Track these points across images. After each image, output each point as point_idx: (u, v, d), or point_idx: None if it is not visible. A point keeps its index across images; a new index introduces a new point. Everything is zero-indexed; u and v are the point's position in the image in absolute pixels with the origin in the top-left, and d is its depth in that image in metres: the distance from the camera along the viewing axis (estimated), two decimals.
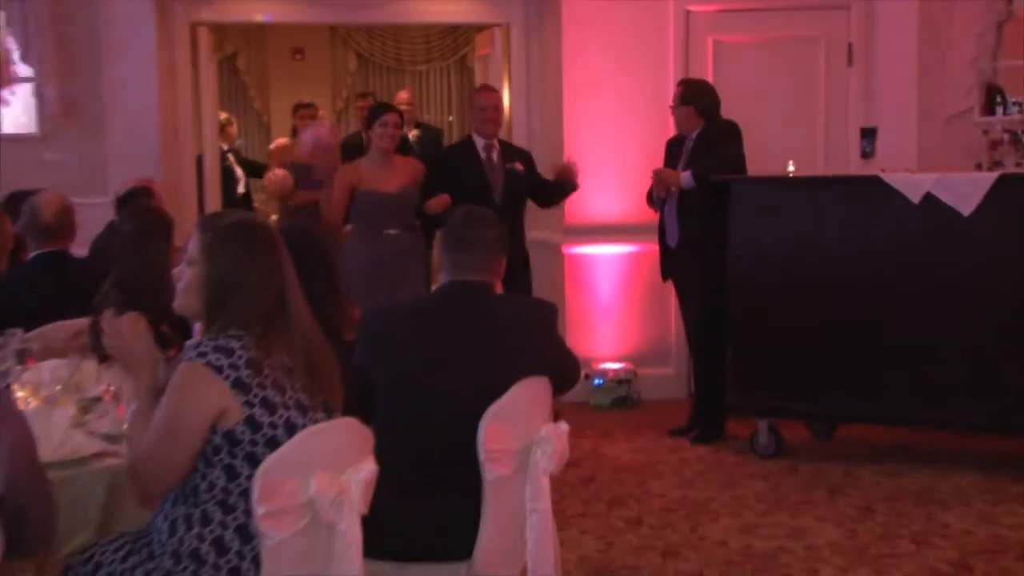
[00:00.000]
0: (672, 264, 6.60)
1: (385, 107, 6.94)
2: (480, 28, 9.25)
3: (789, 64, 7.54)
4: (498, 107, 6.89)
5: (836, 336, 5.90)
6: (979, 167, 6.51)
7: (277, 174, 7.73)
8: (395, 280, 6.44)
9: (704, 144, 6.33)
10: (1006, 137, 6.52)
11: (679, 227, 6.43)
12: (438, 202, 6.41)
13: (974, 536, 4.89)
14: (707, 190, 6.17)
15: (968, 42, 7.33)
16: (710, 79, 7.03)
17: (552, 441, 3.27)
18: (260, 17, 8.63)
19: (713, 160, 6.21)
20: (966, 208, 5.59)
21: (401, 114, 6.72)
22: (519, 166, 6.77)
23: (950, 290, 5.67)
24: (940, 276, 5.67)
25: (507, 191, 6.67)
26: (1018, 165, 6.25)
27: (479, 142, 6.78)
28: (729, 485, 5.65)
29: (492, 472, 3.16)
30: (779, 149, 6.76)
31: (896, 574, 4.54)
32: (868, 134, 6.37)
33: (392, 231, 6.59)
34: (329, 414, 2.89)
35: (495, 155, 6.76)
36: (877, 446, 6.22)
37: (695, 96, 6.46)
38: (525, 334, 3.42)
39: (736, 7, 7.52)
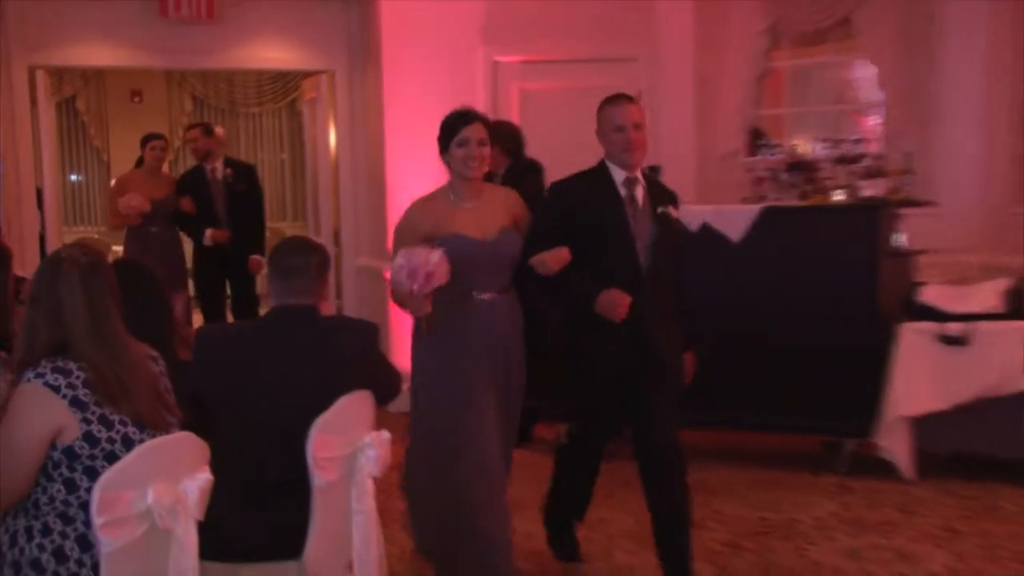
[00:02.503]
0: None
1: (463, 118, 4.13)
2: (307, 74, 9.20)
3: (586, 110, 7.60)
4: (640, 124, 4.16)
5: None
6: (746, 201, 6.78)
7: (134, 198, 7.49)
8: (493, 368, 4.14)
9: (509, 180, 6.39)
10: (767, 175, 6.81)
11: None
12: (554, 257, 3.98)
13: (745, 520, 5.07)
14: None
15: (735, 92, 7.66)
16: (517, 122, 7.13)
17: (375, 447, 3.27)
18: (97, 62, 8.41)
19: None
20: (735, 235, 5.83)
21: (488, 123, 4.20)
22: (673, 210, 4.27)
23: (724, 309, 5.87)
24: (716, 296, 5.86)
25: (657, 247, 4.17)
26: (778, 199, 6.52)
27: (618, 175, 4.17)
28: (537, 483, 5.70)
29: (320, 478, 3.13)
30: None
31: None
32: (653, 171, 6.54)
33: (485, 295, 4.10)
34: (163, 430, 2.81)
35: (639, 193, 4.19)
36: None
37: (501, 137, 6.52)
38: (349, 352, 3.40)
39: (539, 59, 7.67)
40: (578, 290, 4.09)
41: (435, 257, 3.77)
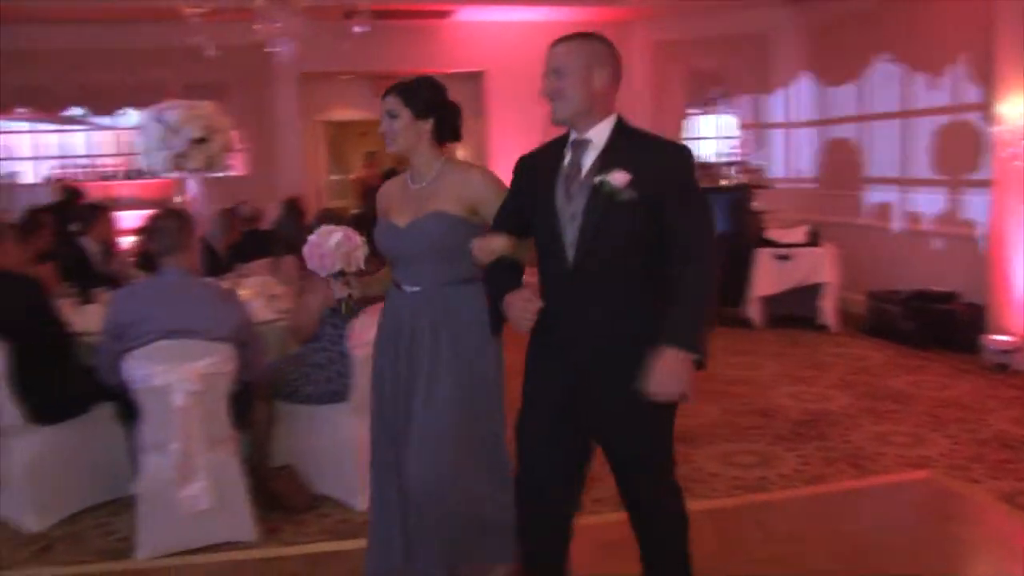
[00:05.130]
0: None
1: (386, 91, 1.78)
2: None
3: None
4: (560, 70, 1.36)
5: None
6: None
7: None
8: (395, 367, 1.82)
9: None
10: None
11: None
12: (480, 247, 1.49)
13: None
14: None
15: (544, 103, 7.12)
16: None
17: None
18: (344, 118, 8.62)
19: None
20: None
21: (404, 93, 1.76)
22: (619, 177, 1.30)
23: None
24: None
25: (591, 228, 1.35)
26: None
27: (572, 137, 1.45)
28: None
29: (357, 355, 2.56)
30: None
31: None
32: None
33: (409, 288, 1.80)
34: None
35: (587, 159, 1.39)
36: None
37: None
38: None
39: None
40: (492, 291, 1.62)
41: (332, 240, 1.79)
